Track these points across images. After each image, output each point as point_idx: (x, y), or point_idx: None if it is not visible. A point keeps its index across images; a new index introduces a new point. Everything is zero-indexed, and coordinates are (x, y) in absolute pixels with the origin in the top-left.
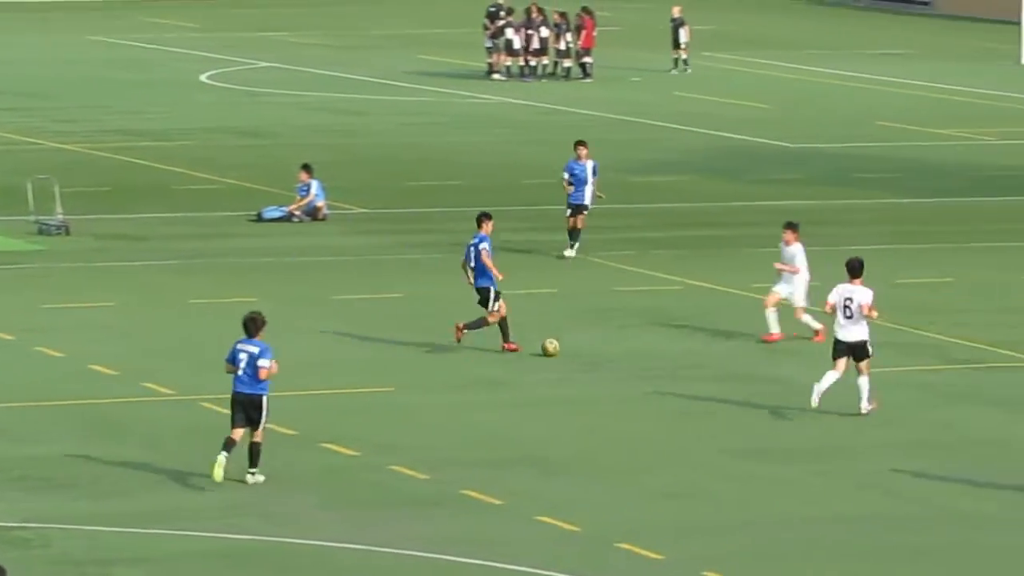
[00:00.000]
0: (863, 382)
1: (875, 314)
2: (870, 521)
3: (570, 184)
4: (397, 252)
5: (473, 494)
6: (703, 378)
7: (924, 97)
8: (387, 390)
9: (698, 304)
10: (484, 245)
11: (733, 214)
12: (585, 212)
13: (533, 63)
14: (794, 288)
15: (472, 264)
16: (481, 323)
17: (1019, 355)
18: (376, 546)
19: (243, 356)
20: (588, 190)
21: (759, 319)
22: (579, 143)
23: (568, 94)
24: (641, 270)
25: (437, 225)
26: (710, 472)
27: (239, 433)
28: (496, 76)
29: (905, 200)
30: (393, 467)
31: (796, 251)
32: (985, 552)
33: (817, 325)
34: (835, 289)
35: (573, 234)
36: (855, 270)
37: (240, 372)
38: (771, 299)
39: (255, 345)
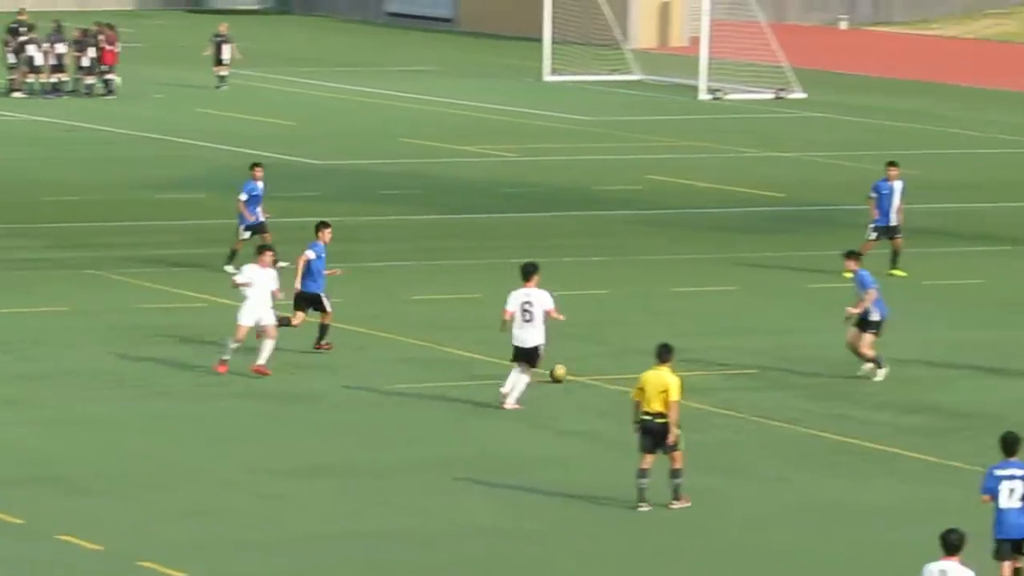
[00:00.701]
0: (524, 381)
1: (561, 317)
2: (397, 538)
3: (246, 204)
4: None
5: None
6: (228, 395)
7: (448, 113)
8: None
9: (222, 321)
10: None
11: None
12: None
13: (55, 80)
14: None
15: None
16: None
17: (539, 371)
18: None
19: None
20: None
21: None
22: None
23: (91, 111)
24: (164, 287)
25: None
26: (235, 489)
27: None
28: (16, 94)
29: (429, 216)
30: None
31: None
32: (516, 566)
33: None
34: (512, 295)
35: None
36: (528, 274)
37: None
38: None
39: None
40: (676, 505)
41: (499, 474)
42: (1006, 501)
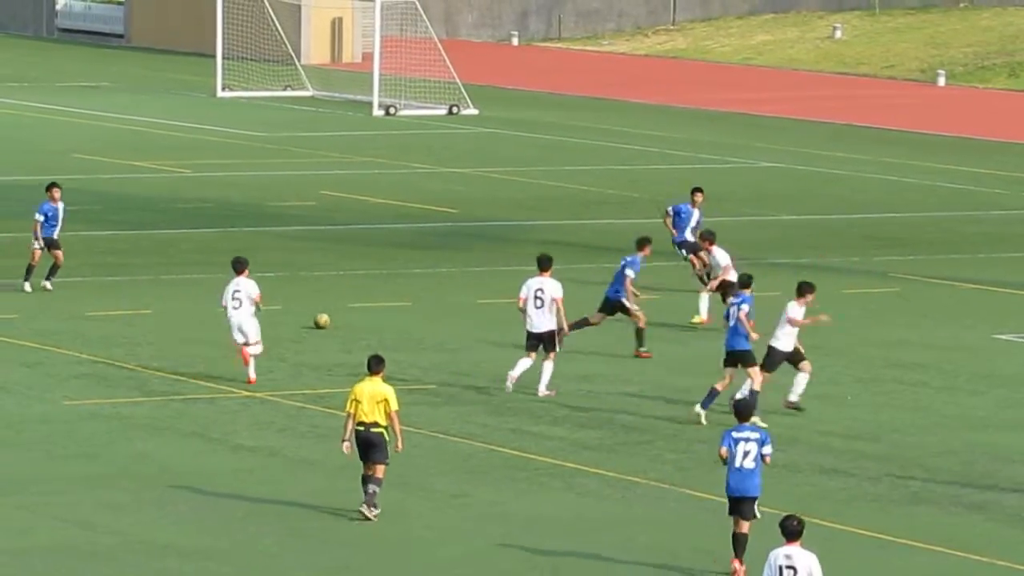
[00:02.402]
0: (548, 366)
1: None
2: (65, 553)
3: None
4: None
5: None
6: None
7: (122, 129)
8: None
9: None
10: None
11: None
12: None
13: None
14: None
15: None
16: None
17: (215, 386)
18: None
19: None
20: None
21: None
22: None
23: None
24: None
25: None
26: None
27: None
28: None
29: (103, 232)
30: None
31: None
32: None
33: None
34: (527, 282)
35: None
36: (543, 265)
37: None
38: None
39: None
40: (366, 511)
41: (175, 490)
42: (740, 461)
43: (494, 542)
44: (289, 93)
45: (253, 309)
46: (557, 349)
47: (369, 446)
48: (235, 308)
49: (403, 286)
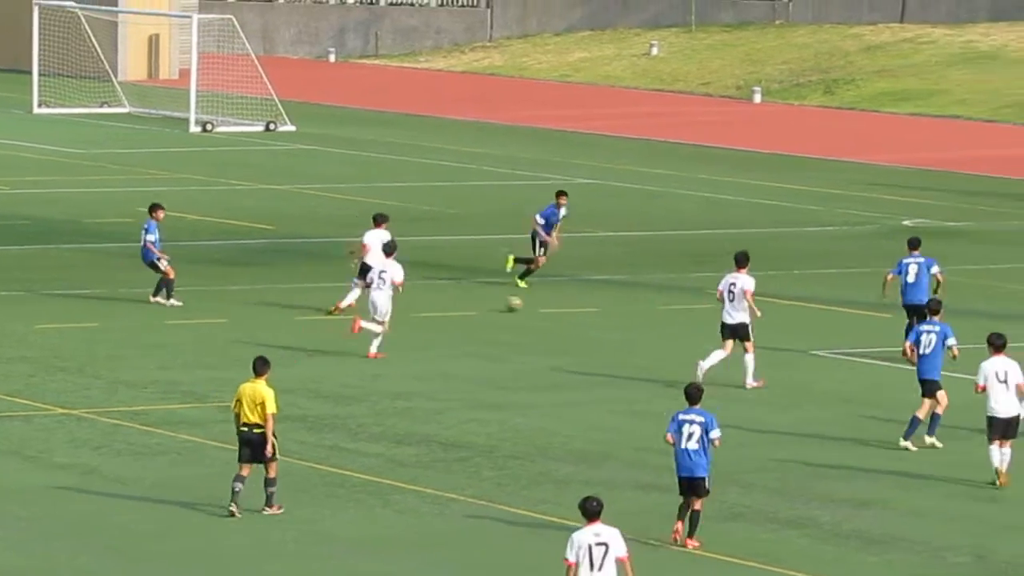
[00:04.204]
0: (749, 359)
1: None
2: None
3: None
4: None
5: None
6: None
7: None
8: None
9: None
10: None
11: None
12: None
13: None
14: None
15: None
16: None
17: (31, 403)
18: None
19: None
20: None
21: None
22: None
23: None
24: None
25: None
26: None
27: None
28: None
29: None
30: None
31: None
32: None
33: None
34: (723, 278)
35: None
36: (740, 261)
37: None
38: None
39: None
40: (268, 511)
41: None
42: (685, 443)
43: (313, 560)
44: (106, 110)
45: (391, 292)
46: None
47: (250, 446)
48: (378, 288)
49: (221, 303)
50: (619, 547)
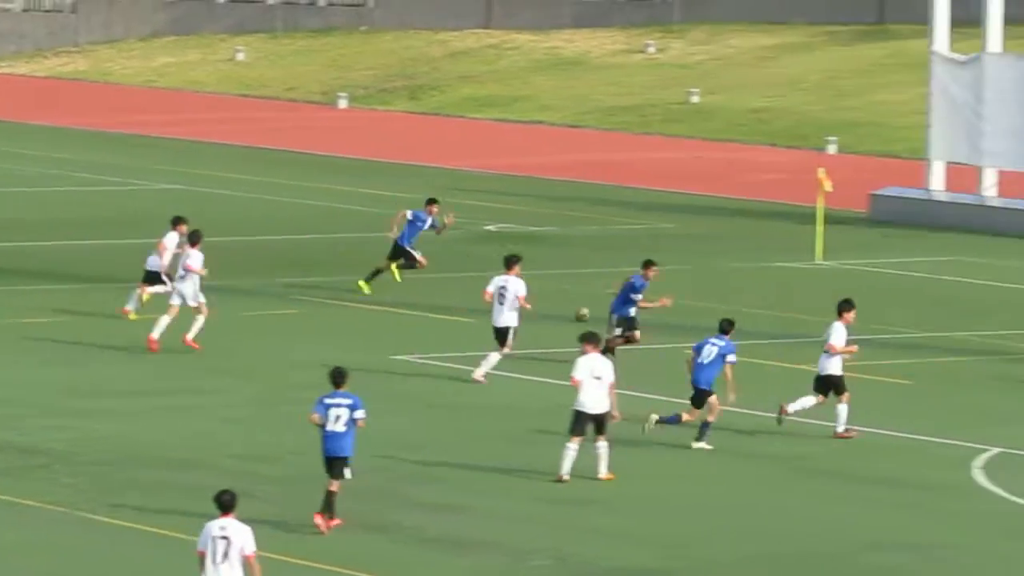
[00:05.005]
0: (495, 358)
1: (528, 305)
2: None
3: None
4: None
5: None
6: None
7: None
8: None
9: None
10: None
11: None
12: None
13: None
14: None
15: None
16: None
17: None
18: None
19: None
20: None
21: None
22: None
23: None
24: None
25: None
26: None
27: None
28: None
29: None
30: None
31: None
32: None
33: None
34: (493, 280)
35: None
36: (509, 263)
37: None
38: None
39: None
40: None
41: None
42: (332, 425)
43: None
44: None
45: (197, 279)
46: None
47: None
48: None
49: None
50: (246, 544)
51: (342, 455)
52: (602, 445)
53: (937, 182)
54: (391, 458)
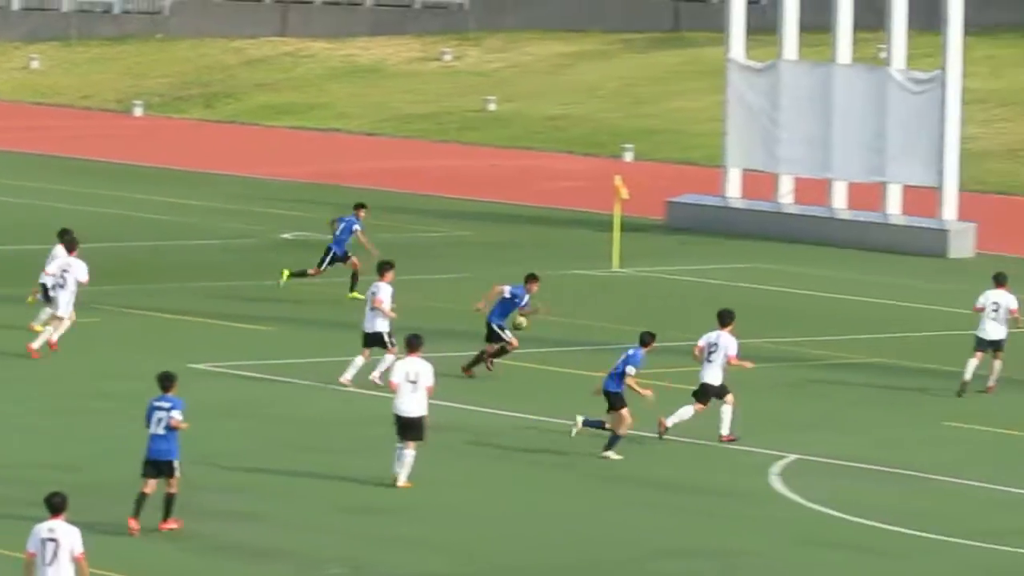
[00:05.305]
0: (389, 358)
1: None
2: None
3: None
4: None
5: None
6: None
7: None
8: None
9: None
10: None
11: None
12: None
13: None
14: None
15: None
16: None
17: None
18: None
19: None
20: None
21: None
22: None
23: None
24: None
25: None
26: None
27: None
28: None
29: None
30: None
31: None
32: None
33: None
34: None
35: None
36: (383, 270)
37: None
38: None
39: None
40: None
41: None
42: (154, 428)
43: None
44: None
45: (74, 289)
46: None
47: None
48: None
49: None
50: (74, 545)
51: (165, 459)
52: (409, 453)
53: (734, 189)
54: (192, 465)
